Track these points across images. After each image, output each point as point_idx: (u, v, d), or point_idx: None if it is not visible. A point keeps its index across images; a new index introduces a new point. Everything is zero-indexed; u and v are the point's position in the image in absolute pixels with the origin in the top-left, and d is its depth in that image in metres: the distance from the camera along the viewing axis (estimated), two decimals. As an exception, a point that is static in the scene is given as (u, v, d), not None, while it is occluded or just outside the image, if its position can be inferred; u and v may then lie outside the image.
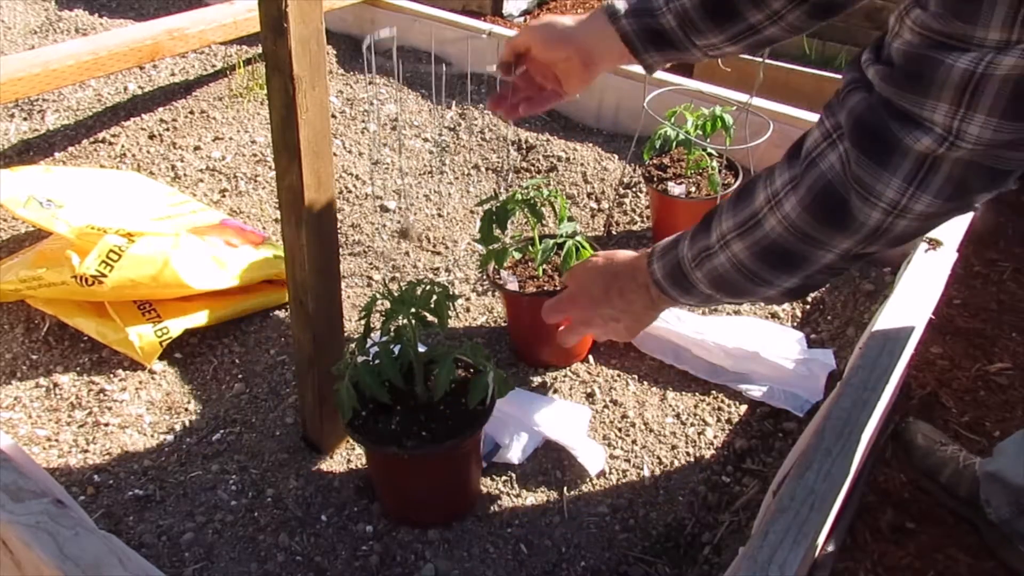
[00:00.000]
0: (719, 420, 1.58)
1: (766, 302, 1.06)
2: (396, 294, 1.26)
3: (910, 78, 0.75)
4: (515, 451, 1.46)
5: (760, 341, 1.63)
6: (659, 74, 2.43)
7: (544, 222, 1.62)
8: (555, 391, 1.63)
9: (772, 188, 0.89)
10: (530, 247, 1.62)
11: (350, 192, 2.21)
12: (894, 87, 0.77)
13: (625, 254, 1.14)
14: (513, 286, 1.61)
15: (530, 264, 1.66)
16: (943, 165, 0.76)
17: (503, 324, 1.78)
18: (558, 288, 1.58)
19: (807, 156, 0.85)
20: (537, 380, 1.65)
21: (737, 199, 0.95)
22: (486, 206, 1.54)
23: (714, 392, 1.64)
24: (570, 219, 1.60)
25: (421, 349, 1.29)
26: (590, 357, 1.71)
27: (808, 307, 1.85)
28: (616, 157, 2.31)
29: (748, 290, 0.97)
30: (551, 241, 1.59)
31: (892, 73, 0.77)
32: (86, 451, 1.48)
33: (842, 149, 0.81)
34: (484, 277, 1.80)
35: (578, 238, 1.58)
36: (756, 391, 1.60)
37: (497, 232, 1.53)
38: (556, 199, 1.58)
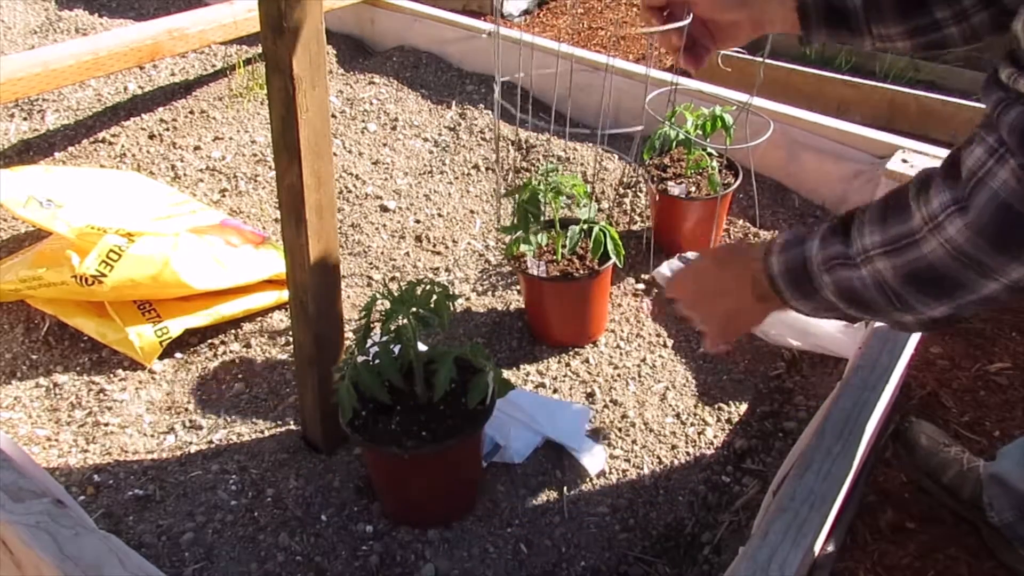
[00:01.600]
0: (719, 420, 1.58)
1: (899, 328, 1.00)
2: (396, 294, 1.26)
3: None
4: (515, 451, 1.46)
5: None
6: (658, 74, 2.43)
7: (542, 209, 1.65)
8: (555, 391, 1.63)
9: (929, 210, 0.83)
10: (551, 232, 1.68)
11: (350, 192, 2.21)
12: None
13: (731, 246, 1.12)
14: (537, 270, 1.66)
15: (548, 247, 1.72)
16: None
17: (506, 318, 1.78)
18: (580, 271, 1.65)
19: (972, 176, 0.79)
20: (544, 368, 1.65)
21: (885, 213, 0.88)
22: (517, 196, 1.60)
23: (714, 392, 1.64)
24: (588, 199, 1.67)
25: (421, 349, 1.29)
26: (601, 342, 1.71)
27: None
28: (616, 157, 2.31)
29: (882, 311, 0.91)
30: (576, 227, 1.63)
31: None
32: (86, 451, 1.48)
33: (1014, 164, 0.76)
34: (508, 261, 1.82)
35: (601, 223, 1.64)
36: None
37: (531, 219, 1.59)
38: (575, 184, 1.62)
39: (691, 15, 1.20)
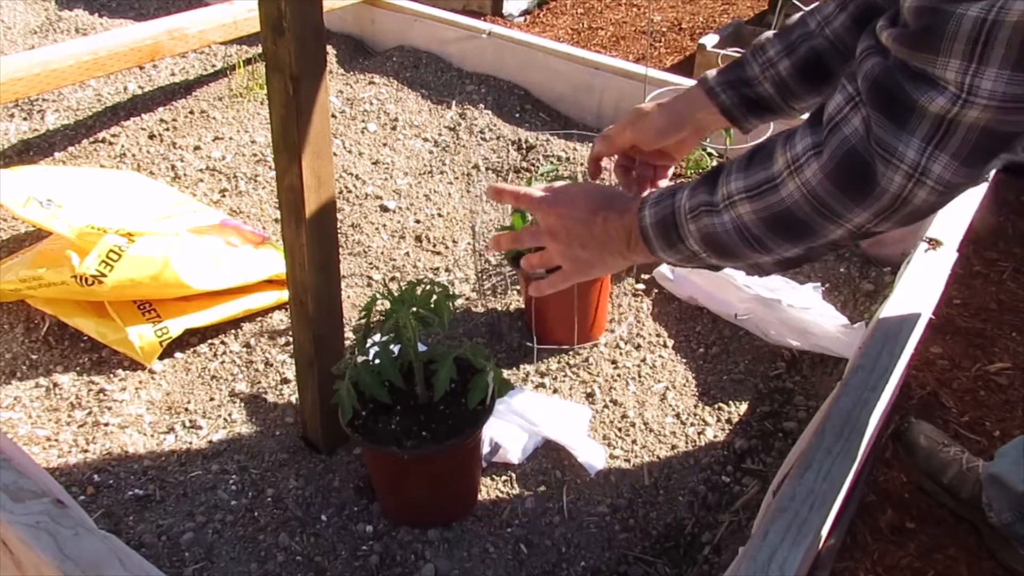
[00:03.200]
0: (719, 420, 1.58)
1: (752, 271, 1.02)
2: (396, 294, 1.26)
3: (921, 35, 0.74)
4: (515, 451, 1.46)
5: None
6: (659, 74, 2.43)
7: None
8: (555, 391, 1.63)
9: (792, 152, 0.86)
10: None
11: (350, 192, 2.21)
12: (907, 47, 0.76)
13: (606, 191, 1.09)
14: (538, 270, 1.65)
15: None
16: (959, 126, 0.75)
17: (506, 318, 1.78)
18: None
19: (830, 121, 0.83)
20: (544, 368, 1.65)
21: (750, 160, 0.92)
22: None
23: (714, 392, 1.64)
24: None
25: (421, 349, 1.29)
26: (601, 342, 1.71)
27: (808, 307, 1.85)
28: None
29: (742, 255, 0.94)
30: None
31: (904, 33, 0.76)
32: (86, 451, 1.49)
33: (865, 112, 0.80)
34: (508, 261, 1.81)
35: None
36: None
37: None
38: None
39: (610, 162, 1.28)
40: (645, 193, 1.08)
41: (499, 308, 1.85)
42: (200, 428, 1.54)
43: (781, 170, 0.87)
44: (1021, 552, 1.38)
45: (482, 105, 2.58)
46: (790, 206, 0.87)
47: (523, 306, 1.83)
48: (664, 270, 1.89)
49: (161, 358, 1.68)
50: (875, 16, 0.91)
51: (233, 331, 1.77)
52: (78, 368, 1.66)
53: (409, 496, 1.34)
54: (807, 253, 0.93)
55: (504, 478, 1.45)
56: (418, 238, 2.06)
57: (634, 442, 1.53)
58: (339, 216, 2.09)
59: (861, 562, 1.41)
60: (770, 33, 1.14)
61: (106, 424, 1.54)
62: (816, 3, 1.11)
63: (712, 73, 1.16)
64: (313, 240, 1.24)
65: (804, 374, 1.69)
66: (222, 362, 1.70)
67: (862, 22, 1.04)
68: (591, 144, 2.37)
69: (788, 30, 1.12)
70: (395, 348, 1.27)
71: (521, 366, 1.69)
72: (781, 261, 0.95)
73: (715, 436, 1.54)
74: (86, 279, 1.60)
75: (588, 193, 1.07)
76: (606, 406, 1.60)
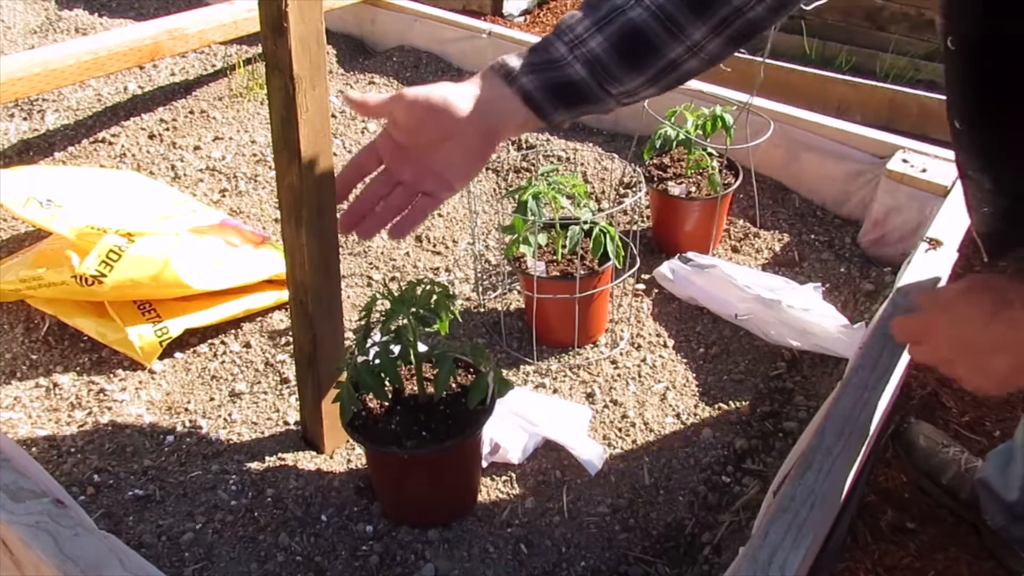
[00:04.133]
0: (719, 420, 1.58)
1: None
2: (396, 294, 1.26)
3: None
4: (515, 451, 1.46)
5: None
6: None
7: (540, 211, 1.65)
8: (555, 391, 1.63)
9: None
10: (552, 231, 1.69)
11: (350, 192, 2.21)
12: None
13: (1005, 277, 0.87)
14: (538, 270, 1.66)
15: (548, 247, 1.72)
16: None
17: (506, 318, 1.78)
18: (580, 271, 1.63)
19: None
20: (544, 368, 1.65)
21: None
22: (519, 196, 1.59)
23: (714, 392, 1.64)
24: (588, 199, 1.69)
25: (421, 349, 1.29)
26: (601, 342, 1.71)
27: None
28: (616, 157, 2.31)
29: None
30: (576, 228, 1.63)
31: None
32: (86, 451, 1.48)
33: None
34: (508, 261, 1.81)
35: (602, 223, 1.64)
36: None
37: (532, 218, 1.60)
38: (575, 184, 1.63)
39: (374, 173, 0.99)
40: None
41: (499, 308, 1.84)
42: (200, 428, 1.54)
43: None
44: (1020, 553, 1.38)
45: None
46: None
47: (523, 306, 1.83)
48: (664, 270, 1.89)
49: (161, 358, 1.68)
50: None
51: (233, 331, 1.77)
52: (78, 368, 1.66)
53: (409, 496, 1.34)
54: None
55: (504, 478, 1.45)
56: (418, 238, 2.06)
57: (634, 442, 1.53)
58: (339, 216, 2.09)
59: (861, 562, 1.41)
60: (576, 11, 0.97)
61: (106, 424, 1.54)
62: None
63: (508, 57, 0.96)
64: (313, 240, 1.24)
65: (804, 374, 1.69)
66: (222, 362, 1.70)
67: None
68: (591, 144, 2.38)
69: (596, 4, 0.96)
70: (395, 348, 1.27)
71: (521, 366, 1.69)
72: None
73: (715, 436, 1.54)
74: (86, 279, 1.60)
75: (970, 300, 0.88)
76: (606, 406, 1.60)
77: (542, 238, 1.66)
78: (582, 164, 2.28)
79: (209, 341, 1.74)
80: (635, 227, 2.12)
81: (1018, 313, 0.84)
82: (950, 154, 1.95)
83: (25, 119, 2.44)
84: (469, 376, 1.35)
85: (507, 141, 2.39)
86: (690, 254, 1.90)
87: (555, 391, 1.63)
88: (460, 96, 0.94)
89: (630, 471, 1.47)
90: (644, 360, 1.71)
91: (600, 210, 2.15)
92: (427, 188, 0.98)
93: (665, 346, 1.75)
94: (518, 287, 1.88)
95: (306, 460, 1.46)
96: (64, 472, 1.44)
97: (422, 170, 0.97)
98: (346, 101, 0.99)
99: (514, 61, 0.96)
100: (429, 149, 0.96)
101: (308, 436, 1.48)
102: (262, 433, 1.53)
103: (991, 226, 1.04)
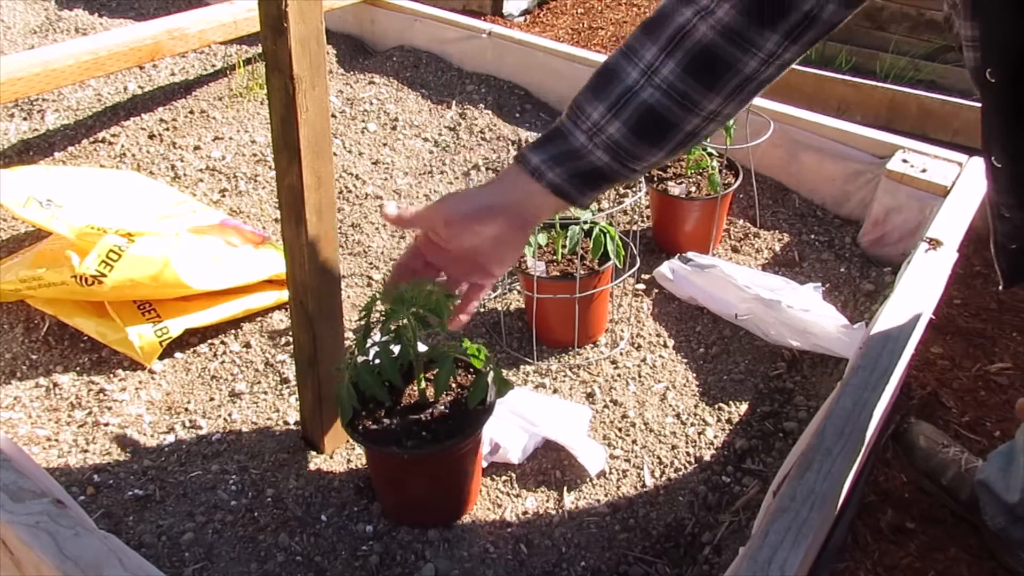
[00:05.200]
0: (719, 420, 1.58)
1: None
2: (396, 294, 1.25)
3: None
4: (515, 451, 1.46)
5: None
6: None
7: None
8: (555, 391, 1.63)
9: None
10: (552, 231, 1.69)
11: (350, 192, 2.21)
12: None
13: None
14: (538, 270, 1.66)
15: (548, 247, 1.73)
16: None
17: (506, 318, 1.78)
18: (580, 271, 1.65)
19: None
20: (544, 368, 1.65)
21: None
22: None
23: (714, 392, 1.64)
24: None
25: (421, 349, 1.29)
26: (601, 342, 1.71)
27: (808, 307, 1.85)
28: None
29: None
30: (576, 228, 1.64)
31: None
32: (86, 451, 1.48)
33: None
34: None
35: (601, 223, 1.65)
36: None
37: None
38: None
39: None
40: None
41: (499, 308, 1.85)
42: (200, 428, 1.54)
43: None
44: (1020, 554, 1.38)
45: (482, 105, 2.58)
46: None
47: (523, 306, 1.83)
48: (664, 270, 1.89)
49: (161, 358, 1.68)
50: (710, 66, 0.92)
51: (233, 331, 1.77)
52: (78, 368, 1.66)
53: (409, 496, 1.34)
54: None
55: (504, 478, 1.45)
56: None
57: (634, 442, 1.53)
58: (339, 216, 2.09)
59: (861, 562, 1.41)
60: (584, 90, 0.99)
61: (106, 424, 1.54)
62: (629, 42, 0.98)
63: (530, 151, 0.99)
64: (313, 240, 1.24)
65: (804, 374, 1.69)
66: (222, 362, 1.70)
67: (692, 70, 0.93)
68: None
69: (603, 82, 0.98)
70: (395, 348, 1.27)
71: (521, 366, 1.69)
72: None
73: (715, 436, 1.54)
74: (86, 279, 1.60)
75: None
76: (606, 406, 1.60)
77: (542, 238, 1.67)
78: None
79: (209, 341, 1.74)
80: (635, 227, 2.12)
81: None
82: (950, 154, 1.96)
83: (25, 119, 2.44)
84: (469, 376, 1.35)
85: (507, 142, 2.39)
86: (690, 254, 1.90)
87: (555, 391, 1.63)
88: (494, 204, 0.99)
89: (630, 471, 1.47)
90: (644, 360, 1.71)
91: (600, 210, 2.15)
92: (474, 279, 1.08)
93: (665, 346, 1.75)
94: (518, 287, 1.88)
95: (306, 460, 1.46)
96: (64, 472, 1.44)
97: (466, 265, 1.05)
98: (384, 217, 1.05)
99: (537, 156, 0.98)
100: (471, 250, 1.02)
101: (308, 436, 1.49)
102: (262, 433, 1.53)
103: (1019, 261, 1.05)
